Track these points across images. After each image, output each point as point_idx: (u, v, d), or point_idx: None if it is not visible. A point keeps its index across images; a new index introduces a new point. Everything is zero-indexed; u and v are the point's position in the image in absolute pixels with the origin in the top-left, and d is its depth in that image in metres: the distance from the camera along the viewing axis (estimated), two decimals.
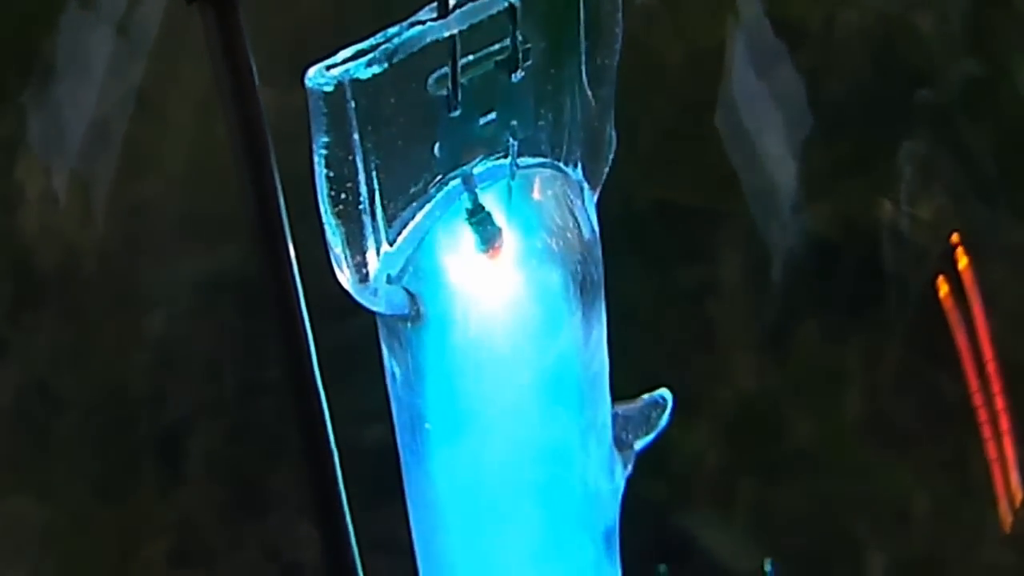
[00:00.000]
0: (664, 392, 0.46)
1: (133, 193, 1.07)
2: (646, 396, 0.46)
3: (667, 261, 1.09)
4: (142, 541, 1.02)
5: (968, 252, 1.07)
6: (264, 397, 1.05)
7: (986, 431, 0.81)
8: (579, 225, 0.40)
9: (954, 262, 1.05)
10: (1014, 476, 0.81)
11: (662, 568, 0.61)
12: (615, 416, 0.45)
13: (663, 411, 0.45)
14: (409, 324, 0.40)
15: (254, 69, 0.39)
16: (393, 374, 0.42)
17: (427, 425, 0.41)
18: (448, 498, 0.42)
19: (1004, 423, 0.80)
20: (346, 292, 0.40)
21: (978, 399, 0.81)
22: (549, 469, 0.41)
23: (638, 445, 0.45)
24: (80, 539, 1.02)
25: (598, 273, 0.41)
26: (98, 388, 1.05)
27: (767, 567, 0.75)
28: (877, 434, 1.05)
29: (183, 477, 1.04)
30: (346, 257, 0.38)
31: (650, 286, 1.08)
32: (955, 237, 1.06)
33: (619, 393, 1.05)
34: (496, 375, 0.40)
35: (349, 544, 0.42)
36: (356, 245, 0.38)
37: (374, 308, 0.40)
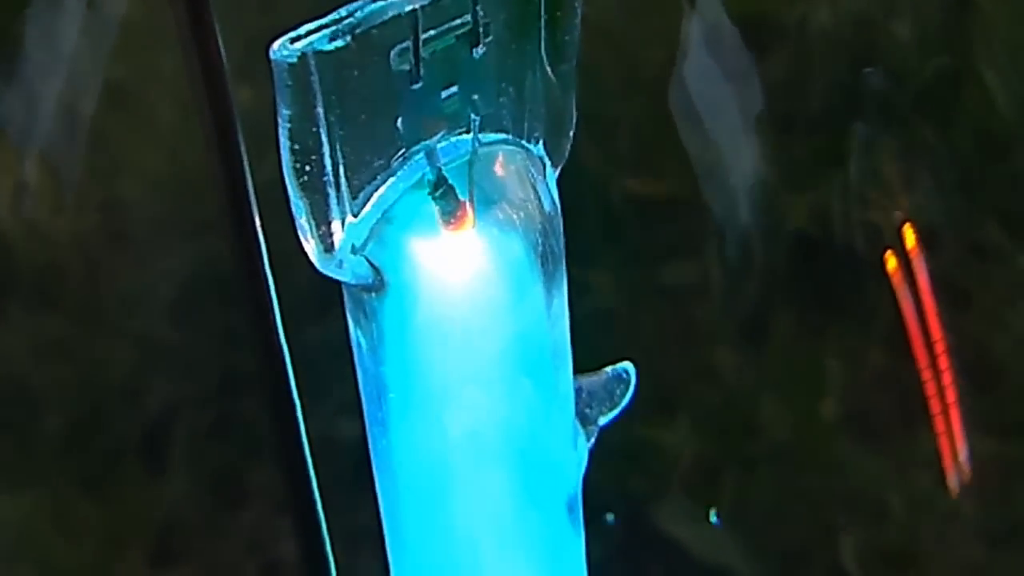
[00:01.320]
0: (628, 366, 0.47)
1: (112, 186, 1.08)
2: (609, 369, 0.47)
3: (643, 256, 1.10)
4: (123, 536, 1.03)
5: (942, 247, 1.08)
6: (246, 391, 1.05)
7: (939, 424, 0.82)
8: (540, 199, 0.42)
9: (927, 256, 1.07)
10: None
11: (609, 517, 0.61)
12: (578, 390, 0.47)
13: (627, 386, 0.46)
14: (373, 294, 0.41)
15: (224, 59, 0.40)
16: (359, 345, 0.43)
17: (391, 395, 0.42)
18: (412, 467, 0.43)
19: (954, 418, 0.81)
20: (312, 265, 0.41)
21: (932, 389, 0.82)
22: (512, 437, 0.42)
23: (601, 420, 0.46)
24: (59, 535, 1.02)
25: (559, 246, 0.42)
26: (77, 383, 1.05)
27: (712, 517, 0.76)
28: (854, 428, 1.06)
29: (164, 472, 1.05)
30: (311, 228, 0.40)
31: (626, 281, 1.09)
32: (927, 232, 1.07)
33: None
34: (459, 344, 0.41)
35: (321, 536, 0.44)
36: (321, 216, 0.40)
37: (339, 278, 0.41)
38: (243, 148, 0.42)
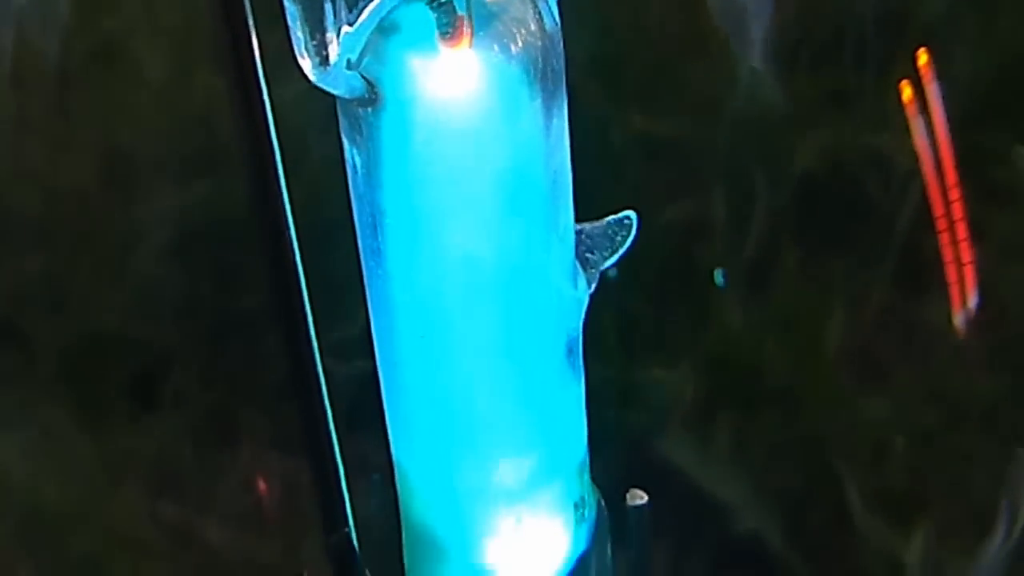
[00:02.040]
0: (629, 213, 0.46)
1: (106, 130, 1.07)
2: (611, 217, 0.46)
3: (647, 196, 1.09)
4: (116, 475, 1.02)
5: (957, 185, 1.07)
6: (241, 332, 1.05)
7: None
8: (540, 16, 0.41)
9: (941, 196, 1.06)
10: None
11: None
12: (579, 233, 0.46)
13: (628, 231, 0.46)
14: (369, 109, 0.41)
15: None
16: (354, 167, 0.42)
17: (387, 219, 0.42)
18: (407, 296, 0.43)
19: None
20: (308, 81, 0.41)
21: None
22: (510, 264, 0.41)
23: (603, 265, 0.46)
24: (53, 478, 1.02)
25: (559, 64, 0.41)
26: (72, 326, 1.05)
27: (718, 278, 0.74)
28: (857, 367, 1.06)
29: (158, 411, 1.04)
30: (306, 41, 0.39)
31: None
32: (944, 171, 1.07)
33: (605, 344, 1.05)
34: (455, 163, 0.41)
35: (336, 469, 0.43)
36: (316, 27, 0.39)
37: (335, 92, 0.40)
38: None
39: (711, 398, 1.04)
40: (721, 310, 1.07)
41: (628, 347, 1.06)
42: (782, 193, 1.09)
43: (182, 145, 1.06)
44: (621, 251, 0.45)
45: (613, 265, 0.45)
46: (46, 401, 1.02)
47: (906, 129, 1.10)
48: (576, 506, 0.46)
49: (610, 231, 0.45)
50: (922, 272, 1.11)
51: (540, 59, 0.40)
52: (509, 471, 0.44)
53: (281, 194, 0.44)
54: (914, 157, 1.11)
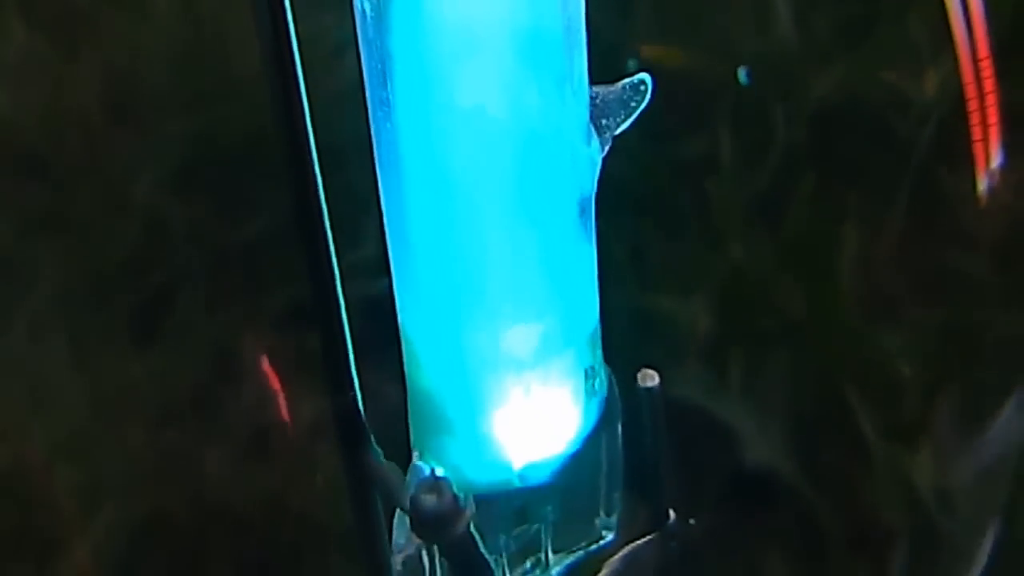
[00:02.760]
0: (644, 75, 0.45)
1: (111, 60, 1.07)
2: (625, 80, 0.45)
3: (661, 131, 1.09)
4: (118, 406, 1.02)
5: (976, 120, 1.06)
6: (245, 262, 1.05)
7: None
8: None
9: (959, 130, 1.05)
10: None
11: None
12: (593, 97, 0.45)
13: (643, 95, 0.45)
14: None
15: None
16: (363, 12, 0.41)
17: (396, 66, 0.41)
18: (417, 148, 0.41)
19: None
20: None
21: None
22: (523, 114, 0.40)
23: (616, 129, 0.45)
24: (55, 408, 1.01)
25: None
26: (77, 255, 1.05)
27: (742, 76, 0.73)
28: (871, 300, 1.05)
29: (162, 342, 1.04)
30: None
31: (643, 157, 1.08)
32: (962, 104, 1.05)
33: (619, 276, 1.04)
34: (467, 8, 0.39)
35: (343, 332, 0.42)
36: None
37: None
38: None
39: (724, 330, 1.03)
40: (735, 243, 1.07)
41: (642, 279, 1.06)
42: (797, 127, 1.08)
43: (185, 75, 1.06)
44: (634, 116, 0.44)
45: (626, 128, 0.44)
46: (48, 331, 1.01)
47: (922, 62, 1.09)
48: (587, 377, 0.45)
49: (624, 95, 0.44)
50: (937, 206, 1.10)
51: None
52: (519, 338, 0.43)
53: (303, 113, 0.42)
54: (930, 90, 1.10)
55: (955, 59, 1.02)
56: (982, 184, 0.62)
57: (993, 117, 0.61)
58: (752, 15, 1.06)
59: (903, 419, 1.02)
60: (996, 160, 0.59)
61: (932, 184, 1.08)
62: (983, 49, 0.58)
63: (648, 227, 1.09)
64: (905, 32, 1.10)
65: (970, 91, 0.59)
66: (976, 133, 0.58)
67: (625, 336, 0.97)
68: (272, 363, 1.02)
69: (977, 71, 0.56)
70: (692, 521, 0.50)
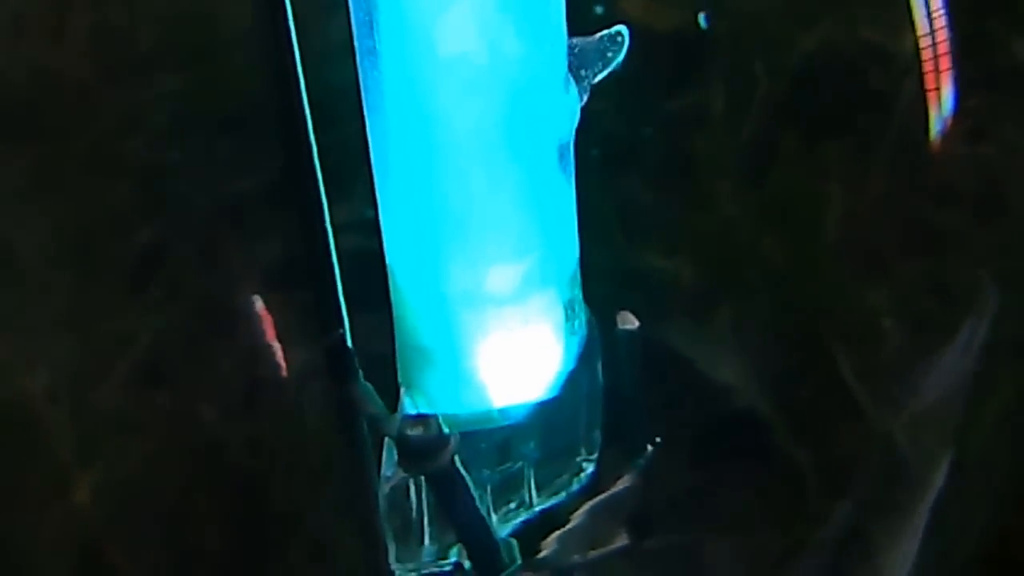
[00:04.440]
0: (621, 28, 0.47)
1: (101, 15, 1.08)
2: (603, 32, 0.47)
3: (646, 86, 1.10)
4: (105, 360, 1.03)
5: (929, 68, 1.08)
6: (236, 218, 1.06)
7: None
8: None
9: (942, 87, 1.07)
10: None
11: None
12: (571, 46, 0.47)
13: (620, 46, 0.47)
14: None
15: None
16: None
17: (382, 15, 0.43)
18: (403, 96, 0.44)
19: None
20: None
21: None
22: (503, 62, 0.43)
23: (594, 79, 0.47)
24: (51, 358, 1.03)
25: None
26: (71, 210, 1.06)
27: (702, 21, 0.75)
28: (855, 255, 1.07)
29: (152, 298, 1.05)
30: None
31: (628, 113, 1.10)
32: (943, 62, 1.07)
33: (605, 231, 1.06)
34: None
35: (332, 269, 0.45)
36: None
37: None
38: None
39: (709, 284, 1.05)
40: (720, 198, 1.09)
41: (628, 234, 1.08)
42: (781, 83, 1.10)
43: (177, 32, 1.07)
44: (612, 66, 0.46)
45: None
46: (38, 289, 1.03)
47: (901, 18, 1.11)
48: (567, 317, 0.47)
49: (602, 46, 0.46)
50: (920, 162, 1.12)
51: None
52: (501, 276, 0.46)
53: (295, 69, 0.45)
54: (910, 45, 1.12)
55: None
56: (935, 131, 0.64)
57: (945, 65, 0.63)
58: None
59: (884, 369, 1.04)
60: (948, 107, 0.62)
61: (913, 138, 1.11)
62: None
63: (633, 182, 1.11)
64: None
65: (923, 41, 0.61)
66: (929, 81, 0.60)
67: (610, 289, 1.00)
68: (264, 315, 1.04)
69: (930, 20, 0.58)
70: (658, 440, 0.53)
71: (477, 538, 0.47)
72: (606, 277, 0.94)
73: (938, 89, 0.59)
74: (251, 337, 1.03)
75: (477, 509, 0.47)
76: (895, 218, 1.11)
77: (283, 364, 0.92)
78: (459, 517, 0.46)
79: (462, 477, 0.47)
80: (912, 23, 0.99)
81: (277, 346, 0.98)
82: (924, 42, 0.57)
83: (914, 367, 1.06)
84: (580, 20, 0.75)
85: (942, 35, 0.57)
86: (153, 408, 0.97)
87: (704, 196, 1.10)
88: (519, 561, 0.48)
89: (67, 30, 1.07)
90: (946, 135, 0.67)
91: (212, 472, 0.91)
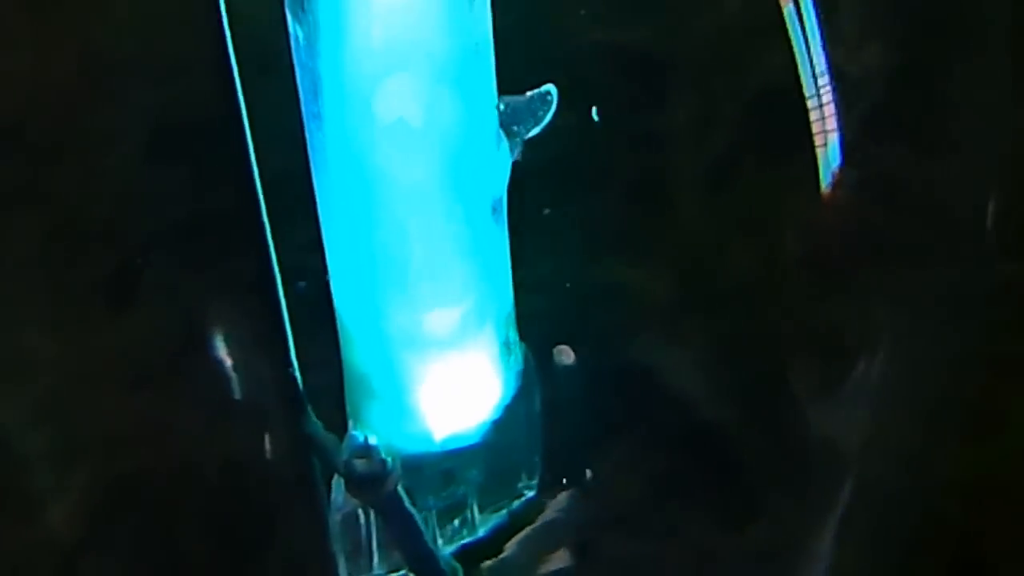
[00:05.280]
0: (550, 87, 0.53)
1: (84, 31, 1.12)
2: (532, 91, 0.53)
3: (612, 105, 1.15)
4: (89, 370, 1.07)
5: (906, 97, 1.13)
6: (214, 232, 1.10)
7: None
8: None
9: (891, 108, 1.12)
10: None
11: None
12: (504, 107, 0.52)
13: (549, 105, 0.52)
14: None
15: None
16: (297, 39, 0.49)
17: (326, 85, 0.49)
18: (345, 156, 0.49)
19: None
20: None
21: None
22: (438, 124, 0.48)
23: (525, 135, 0.52)
24: (31, 371, 1.07)
25: None
26: (52, 223, 1.10)
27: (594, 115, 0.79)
28: (815, 269, 1.12)
29: (133, 310, 1.09)
30: None
31: (594, 129, 1.14)
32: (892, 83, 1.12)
33: (572, 245, 1.11)
34: (386, 34, 0.47)
35: (281, 315, 0.50)
36: None
37: None
38: None
39: (674, 298, 1.10)
40: (686, 214, 1.13)
41: (595, 249, 1.12)
42: (743, 104, 1.14)
43: (157, 46, 1.11)
44: (542, 124, 0.51)
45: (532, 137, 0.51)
46: (20, 299, 1.07)
47: (857, 43, 1.16)
48: (504, 354, 0.53)
49: (532, 105, 0.52)
50: (870, 175, 1.17)
51: None
52: (439, 320, 0.51)
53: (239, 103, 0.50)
54: (863, 69, 1.17)
55: (887, 41, 1.10)
56: (824, 183, 0.69)
57: (831, 124, 0.68)
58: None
59: (840, 381, 1.09)
60: (835, 161, 0.67)
61: (867, 152, 1.15)
62: (820, 65, 0.65)
63: (603, 198, 1.15)
64: (840, 15, 1.16)
65: (810, 102, 0.66)
66: (818, 139, 0.65)
67: (581, 304, 1.04)
68: (237, 329, 1.09)
69: (816, 85, 0.63)
70: (588, 472, 0.58)
71: (421, 560, 0.52)
72: (574, 291, 0.98)
73: (825, 145, 0.65)
74: (224, 352, 1.08)
75: (421, 533, 0.52)
76: (854, 231, 1.17)
77: (253, 382, 0.96)
78: (404, 541, 0.52)
79: (405, 505, 0.52)
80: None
81: (248, 361, 1.02)
82: (811, 103, 0.63)
83: (870, 377, 1.11)
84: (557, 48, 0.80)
85: (827, 97, 0.63)
86: (132, 421, 1.01)
87: (672, 211, 1.15)
88: None
89: (49, 45, 1.11)
90: (835, 184, 0.72)
91: (188, 488, 0.96)
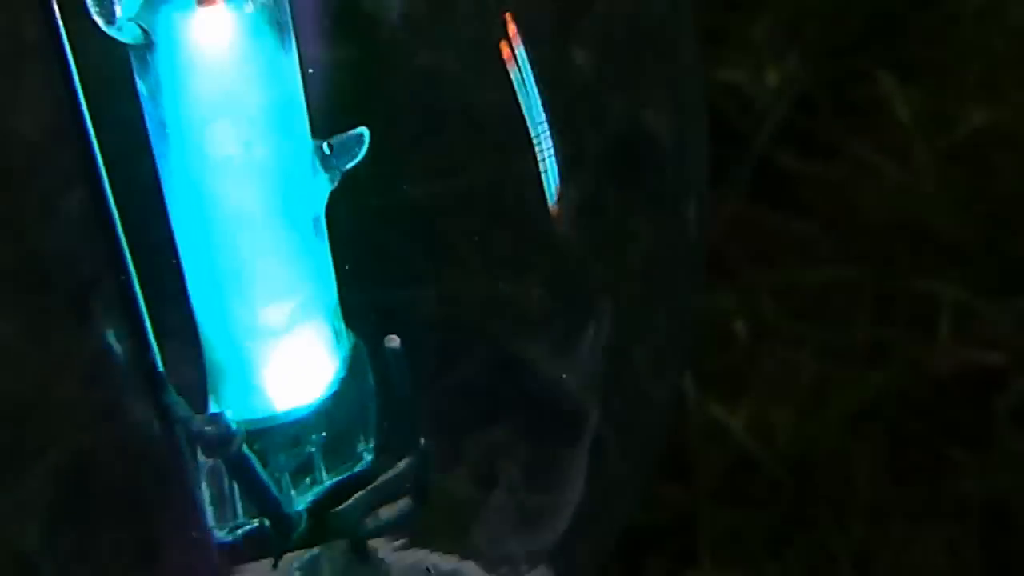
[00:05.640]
0: (362, 129, 0.69)
1: (48, 86, 1.26)
2: (346, 133, 0.69)
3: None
4: (59, 388, 1.21)
5: (814, 112, 1.28)
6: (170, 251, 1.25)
7: None
8: None
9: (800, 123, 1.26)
10: None
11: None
12: (325, 144, 0.68)
13: (363, 144, 0.68)
14: (148, 52, 0.63)
15: None
16: (143, 93, 0.65)
17: (168, 131, 0.64)
18: (185, 188, 0.65)
19: None
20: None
21: None
22: (258, 158, 0.64)
23: (343, 167, 0.68)
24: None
25: (285, 18, 0.63)
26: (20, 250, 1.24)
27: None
28: (709, 267, 1.25)
29: (93, 324, 1.23)
30: (96, 3, 0.61)
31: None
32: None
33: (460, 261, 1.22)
34: (213, 89, 0.63)
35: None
36: None
37: (122, 40, 0.63)
38: None
39: (560, 305, 1.21)
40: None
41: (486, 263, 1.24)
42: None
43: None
44: (358, 158, 0.67)
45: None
46: None
47: (763, 64, 1.31)
48: (334, 340, 0.68)
49: (349, 142, 0.68)
50: (774, 187, 1.32)
51: (274, 12, 0.63)
52: (273, 313, 0.67)
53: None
54: (769, 89, 1.32)
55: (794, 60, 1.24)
56: (551, 204, 0.81)
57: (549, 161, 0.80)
58: None
59: (728, 370, 1.24)
60: (557, 187, 0.79)
61: (770, 170, 1.30)
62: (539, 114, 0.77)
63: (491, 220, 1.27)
64: (749, 36, 1.31)
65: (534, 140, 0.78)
66: (541, 167, 0.78)
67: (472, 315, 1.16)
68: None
69: (536, 129, 0.77)
70: (423, 441, 0.73)
71: (269, 506, 0.68)
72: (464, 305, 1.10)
73: (546, 172, 0.79)
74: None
75: (267, 486, 0.68)
76: (746, 234, 1.31)
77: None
78: (253, 492, 0.67)
79: (251, 462, 0.67)
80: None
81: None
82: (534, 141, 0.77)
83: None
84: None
85: (546, 140, 0.77)
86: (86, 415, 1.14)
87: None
88: (305, 524, 0.69)
89: (19, 99, 1.26)
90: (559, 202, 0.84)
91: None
